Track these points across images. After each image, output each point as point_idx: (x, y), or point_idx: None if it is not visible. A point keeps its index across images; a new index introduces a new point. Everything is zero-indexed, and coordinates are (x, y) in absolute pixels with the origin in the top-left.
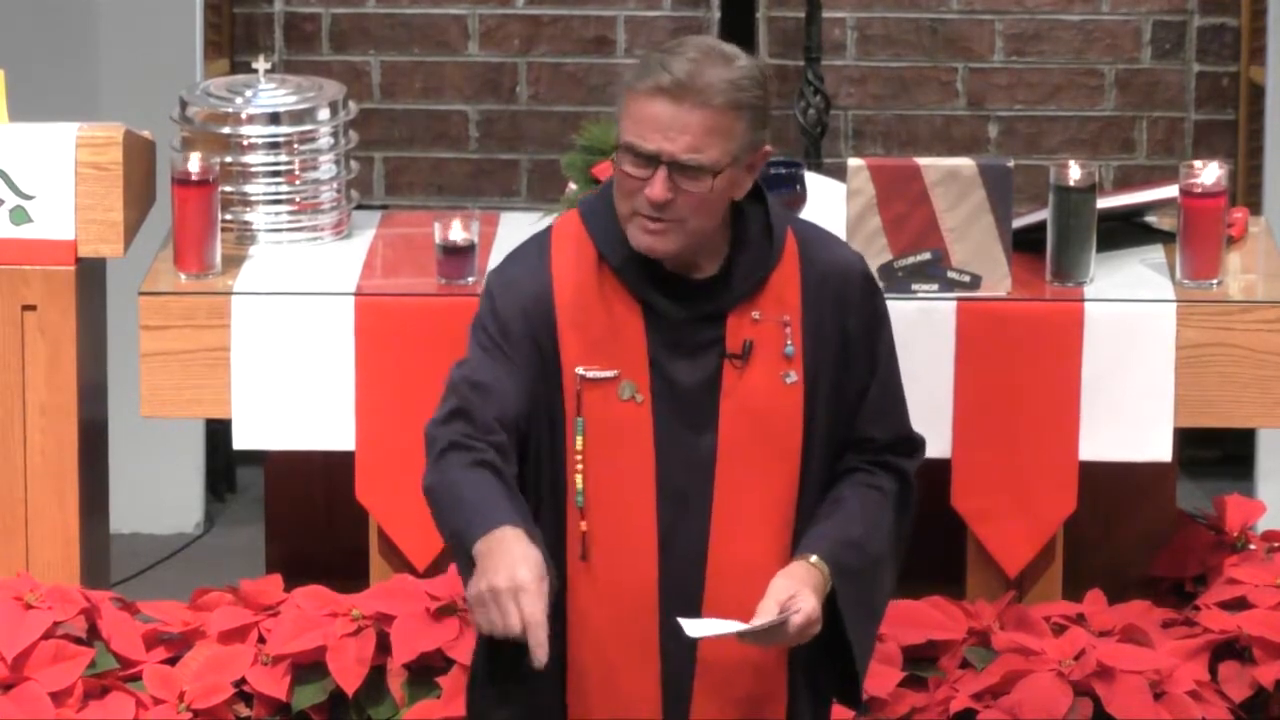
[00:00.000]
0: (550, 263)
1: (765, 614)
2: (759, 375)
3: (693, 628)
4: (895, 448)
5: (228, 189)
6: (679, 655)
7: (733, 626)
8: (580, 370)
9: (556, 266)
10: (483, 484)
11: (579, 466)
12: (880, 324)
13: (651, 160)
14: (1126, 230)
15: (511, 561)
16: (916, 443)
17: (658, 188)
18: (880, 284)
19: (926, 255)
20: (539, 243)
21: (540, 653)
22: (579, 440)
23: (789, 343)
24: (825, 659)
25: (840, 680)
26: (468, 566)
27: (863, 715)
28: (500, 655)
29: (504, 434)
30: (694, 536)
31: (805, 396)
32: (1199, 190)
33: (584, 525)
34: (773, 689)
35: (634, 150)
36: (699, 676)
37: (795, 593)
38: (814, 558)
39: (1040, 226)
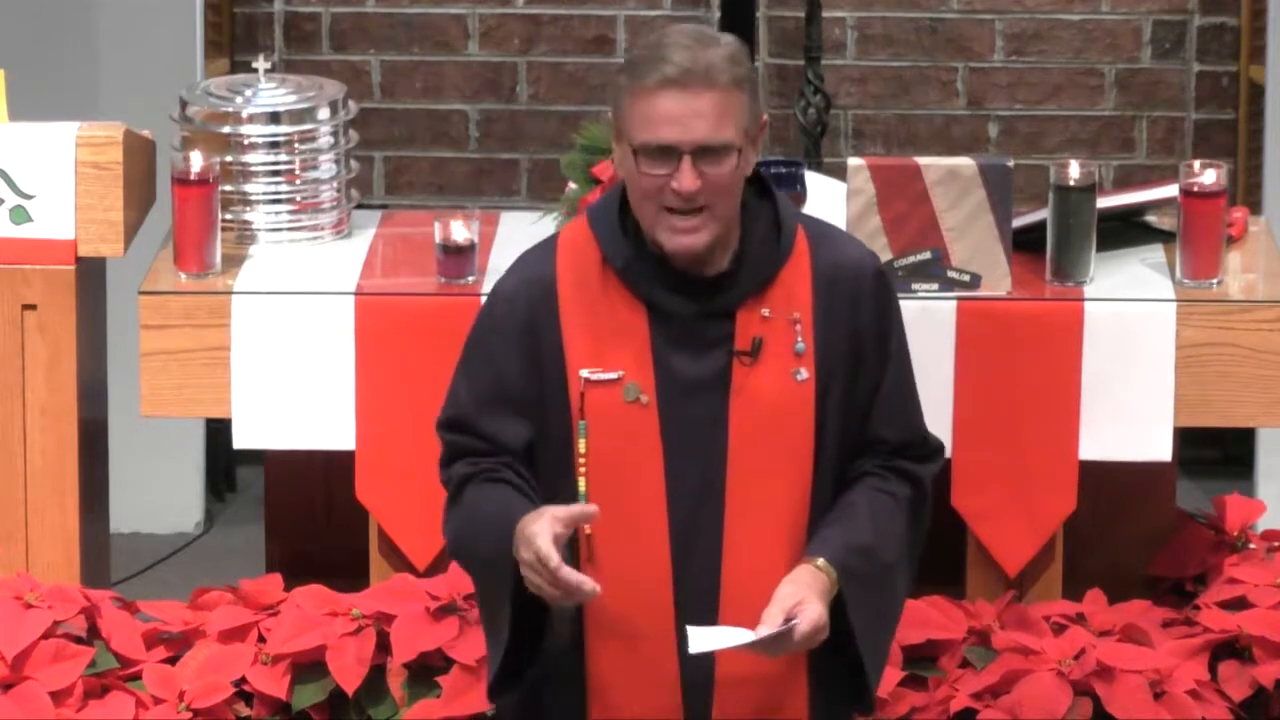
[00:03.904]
0: (555, 268)
1: (771, 621)
2: (769, 372)
3: (699, 640)
4: (908, 451)
5: (228, 188)
6: (698, 659)
7: (739, 637)
8: (584, 373)
9: (562, 271)
10: (497, 500)
11: (582, 470)
12: (893, 322)
13: (671, 153)
14: (1126, 230)
15: (523, 542)
16: (932, 447)
17: (686, 178)
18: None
19: (926, 255)
20: (545, 248)
21: (582, 587)
22: (582, 443)
23: (799, 340)
24: (836, 664)
25: (852, 685)
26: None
27: (862, 715)
28: (516, 659)
29: (509, 455)
30: (708, 538)
31: (817, 394)
32: (1199, 190)
33: (587, 529)
34: (792, 693)
35: (651, 148)
36: (719, 680)
37: (801, 599)
38: (820, 561)
39: (1040, 226)
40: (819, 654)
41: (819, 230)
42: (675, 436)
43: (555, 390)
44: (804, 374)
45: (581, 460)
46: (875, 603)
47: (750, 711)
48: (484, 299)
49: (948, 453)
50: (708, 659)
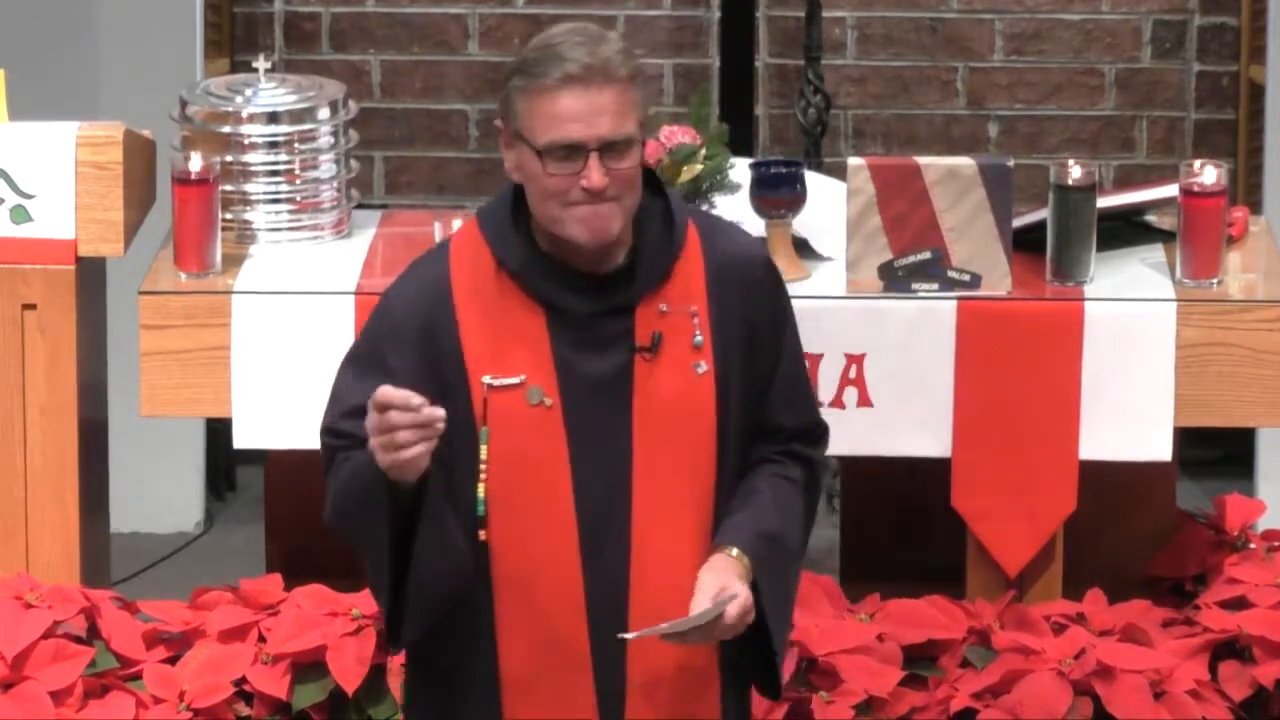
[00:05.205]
0: (450, 274)
1: (700, 609)
2: (670, 367)
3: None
4: (803, 436)
5: (228, 188)
6: (610, 659)
7: (673, 626)
8: (486, 379)
9: (456, 276)
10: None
11: (482, 476)
12: (785, 311)
13: (578, 151)
14: (1126, 230)
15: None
16: (822, 430)
17: (595, 174)
18: (883, 284)
19: (926, 254)
20: (438, 254)
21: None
22: (483, 450)
23: (697, 333)
24: (745, 655)
25: (760, 672)
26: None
27: (861, 715)
28: (432, 666)
29: None
30: (616, 535)
31: (717, 385)
32: (1199, 190)
33: (483, 535)
34: (706, 691)
35: (557, 147)
36: (631, 680)
37: (725, 584)
38: (734, 550)
39: (1040, 226)
40: (729, 648)
41: (708, 223)
42: (580, 436)
43: (457, 397)
44: (704, 366)
45: (482, 466)
46: (781, 589)
47: (664, 712)
48: (377, 303)
49: (948, 453)
50: (619, 658)
